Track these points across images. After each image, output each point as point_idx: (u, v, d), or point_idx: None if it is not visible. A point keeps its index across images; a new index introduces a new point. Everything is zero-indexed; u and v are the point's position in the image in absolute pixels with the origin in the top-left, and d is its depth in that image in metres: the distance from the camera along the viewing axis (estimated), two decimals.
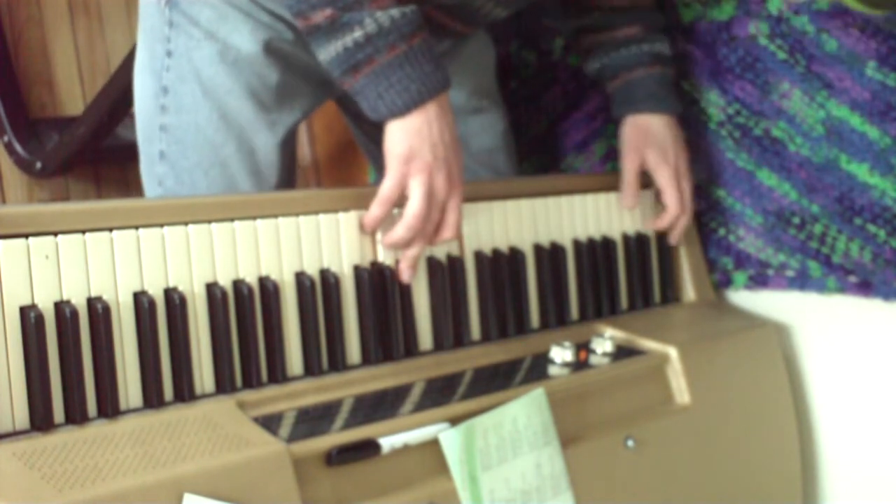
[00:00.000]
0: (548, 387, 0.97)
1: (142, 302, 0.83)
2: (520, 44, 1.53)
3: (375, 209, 0.98)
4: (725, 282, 1.34)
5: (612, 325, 1.17)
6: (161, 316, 0.85)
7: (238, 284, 0.90)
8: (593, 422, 1.03)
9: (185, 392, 0.85)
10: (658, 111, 1.27)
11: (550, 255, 1.15)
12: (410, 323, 1.01)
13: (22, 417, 0.77)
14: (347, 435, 0.84)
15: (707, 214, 1.35)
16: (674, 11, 1.37)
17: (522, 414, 0.94)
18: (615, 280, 1.23)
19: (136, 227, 0.84)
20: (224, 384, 0.88)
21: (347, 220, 0.98)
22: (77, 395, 0.79)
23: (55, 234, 0.80)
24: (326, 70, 0.99)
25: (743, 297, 1.34)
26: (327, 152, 1.88)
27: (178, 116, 1.12)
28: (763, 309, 1.32)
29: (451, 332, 1.05)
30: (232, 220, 0.90)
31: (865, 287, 1.24)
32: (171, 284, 0.86)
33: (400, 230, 0.98)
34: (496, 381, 0.99)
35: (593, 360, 1.07)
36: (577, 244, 1.19)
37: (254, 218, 0.92)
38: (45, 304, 0.79)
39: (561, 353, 1.04)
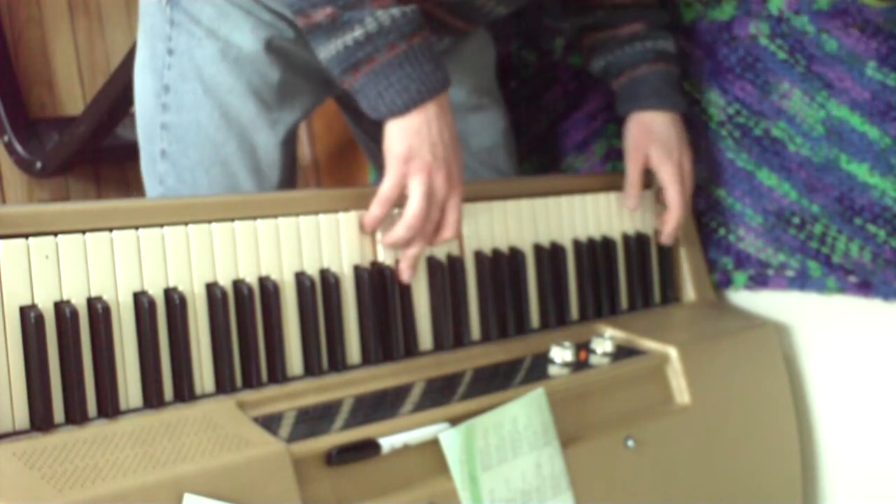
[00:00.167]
0: (548, 387, 0.97)
1: (142, 302, 0.83)
2: (520, 43, 1.53)
3: (375, 209, 0.98)
4: (725, 282, 1.34)
5: (612, 325, 1.17)
6: (161, 316, 0.85)
7: (238, 284, 0.90)
8: (593, 422, 1.03)
9: (185, 392, 0.85)
10: (662, 108, 1.27)
11: (550, 255, 1.15)
12: (410, 323, 1.01)
13: (22, 417, 0.77)
14: (347, 435, 0.84)
15: (707, 214, 1.35)
16: (674, 11, 1.37)
17: (522, 414, 0.94)
18: (615, 280, 1.23)
19: (136, 227, 0.84)
20: (224, 384, 0.88)
21: (347, 220, 0.98)
22: (77, 395, 0.79)
23: (55, 234, 0.80)
24: (326, 68, 0.99)
25: (743, 297, 1.34)
26: (327, 152, 1.88)
27: (179, 115, 1.12)
28: (763, 309, 1.32)
29: (451, 332, 1.05)
30: (232, 220, 0.90)
31: (865, 287, 1.24)
32: (171, 284, 0.86)
33: (400, 230, 0.98)
34: (496, 381, 0.99)
35: (593, 360, 1.07)
36: (577, 244, 1.19)
37: (254, 218, 0.92)
38: (45, 304, 0.79)
39: (561, 353, 1.04)
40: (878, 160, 1.23)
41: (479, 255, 1.08)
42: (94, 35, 1.96)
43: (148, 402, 0.83)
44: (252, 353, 0.89)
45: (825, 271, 1.27)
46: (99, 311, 0.80)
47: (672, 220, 1.26)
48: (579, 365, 1.05)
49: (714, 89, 1.34)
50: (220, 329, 0.88)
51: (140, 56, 1.17)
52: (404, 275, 1.00)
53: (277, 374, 0.91)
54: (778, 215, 1.30)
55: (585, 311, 1.19)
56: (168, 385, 0.85)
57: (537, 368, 1.04)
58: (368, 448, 0.85)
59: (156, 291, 0.85)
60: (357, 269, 0.98)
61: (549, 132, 1.50)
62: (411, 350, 1.02)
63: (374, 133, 1.32)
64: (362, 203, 0.99)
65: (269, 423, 0.84)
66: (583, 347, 1.08)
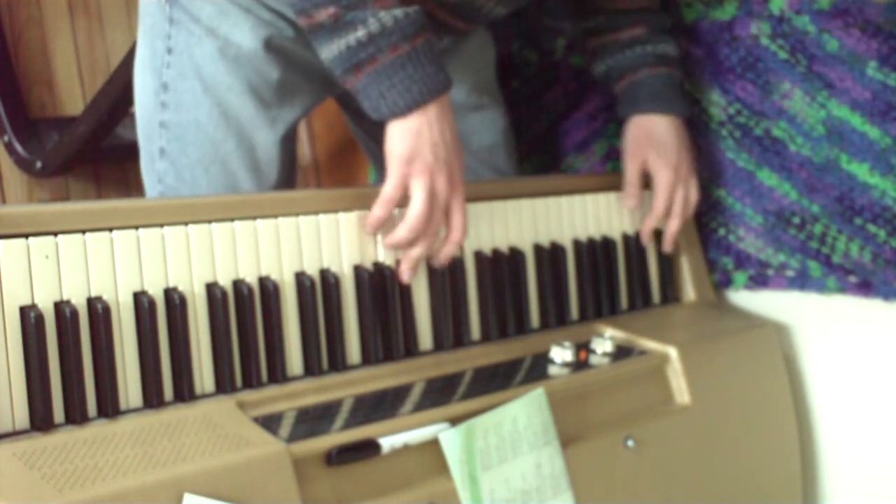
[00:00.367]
0: (548, 387, 0.97)
1: (142, 302, 0.83)
2: (521, 43, 1.53)
3: (377, 210, 0.98)
4: (725, 282, 1.34)
5: (612, 325, 1.17)
6: (161, 316, 0.85)
7: (238, 284, 0.90)
8: (593, 422, 1.03)
9: (185, 392, 0.85)
10: (662, 112, 1.27)
11: (550, 255, 1.15)
12: (410, 323, 1.01)
13: (22, 417, 0.77)
14: (347, 435, 0.84)
15: (707, 214, 1.35)
16: (676, 11, 1.36)
17: (522, 414, 0.94)
18: (615, 280, 1.23)
19: (136, 227, 0.84)
20: (224, 384, 0.88)
21: (347, 220, 0.98)
22: (77, 395, 0.79)
23: (55, 234, 0.80)
24: (328, 68, 0.99)
25: (743, 297, 1.34)
26: (327, 151, 1.88)
27: (178, 113, 1.12)
28: (763, 309, 1.32)
29: (451, 332, 1.05)
30: (232, 220, 0.90)
31: (865, 287, 1.24)
32: (171, 284, 0.86)
33: (401, 231, 0.98)
34: (496, 381, 0.99)
35: (593, 360, 1.07)
36: (577, 244, 1.19)
37: (254, 218, 0.92)
38: (45, 304, 0.79)
39: (561, 353, 1.04)
40: (878, 160, 1.23)
41: (479, 255, 1.08)
42: (94, 35, 1.96)
43: (148, 402, 0.83)
44: (252, 353, 0.89)
45: (825, 271, 1.27)
46: (99, 311, 0.80)
47: (650, 224, 1.26)
48: (579, 365, 1.05)
49: (715, 89, 1.34)
50: (220, 329, 0.88)
51: (140, 55, 1.17)
52: (405, 276, 1.00)
53: (277, 374, 0.91)
54: (778, 215, 1.30)
55: (585, 311, 1.19)
56: (168, 385, 0.85)
57: (537, 368, 1.04)
58: (368, 448, 0.84)
59: (156, 291, 0.85)
60: (357, 269, 0.98)
61: (550, 132, 1.50)
62: (411, 350, 1.02)
63: (374, 133, 1.31)
64: (362, 203, 0.99)
65: (269, 423, 0.84)
66: (583, 347, 1.08)
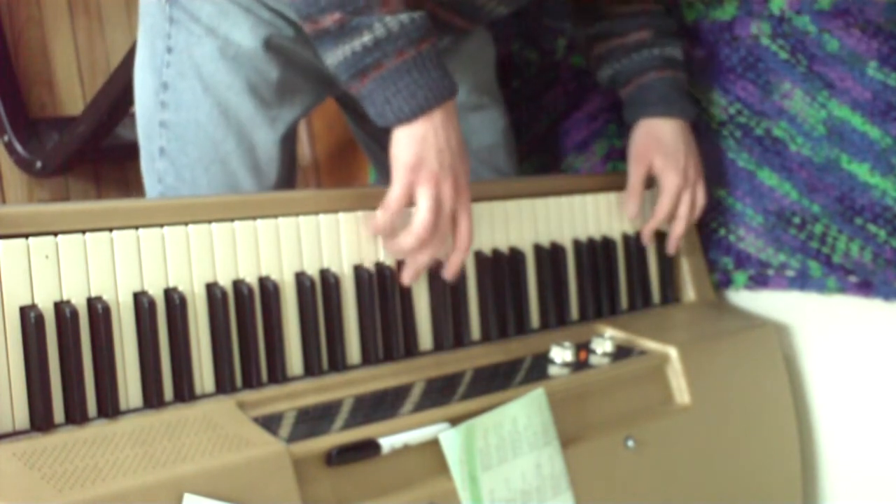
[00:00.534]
0: (548, 387, 0.97)
1: (142, 302, 0.83)
2: (522, 43, 1.53)
3: (382, 215, 0.97)
4: (725, 282, 1.34)
5: (612, 325, 1.17)
6: (161, 316, 0.85)
7: (238, 284, 0.90)
8: (593, 422, 1.03)
9: (185, 392, 0.85)
10: (669, 115, 1.26)
11: (550, 255, 1.15)
12: (410, 323, 1.01)
13: (22, 417, 0.77)
14: (347, 435, 0.84)
15: (707, 214, 1.35)
16: (676, 11, 1.36)
17: (522, 414, 0.94)
18: (615, 280, 1.23)
19: (136, 227, 0.84)
20: (224, 384, 0.88)
21: (347, 220, 0.98)
22: (77, 395, 0.79)
23: (55, 234, 0.80)
24: (334, 74, 0.98)
25: (743, 297, 1.34)
26: (327, 152, 1.88)
27: (178, 113, 1.12)
28: (763, 309, 1.32)
29: (451, 332, 1.05)
30: (232, 220, 0.90)
31: (866, 287, 1.24)
32: (171, 284, 0.86)
33: (407, 239, 0.97)
34: (496, 381, 0.99)
35: (593, 360, 1.07)
36: (577, 244, 1.19)
37: (254, 218, 0.92)
38: (45, 304, 0.79)
39: (561, 353, 1.04)
40: (878, 160, 1.23)
41: (479, 255, 1.08)
42: (94, 35, 1.96)
43: (148, 402, 0.83)
44: (252, 353, 0.89)
45: (825, 271, 1.27)
46: (99, 311, 0.80)
47: (651, 225, 1.25)
48: (579, 365, 1.05)
49: (715, 89, 1.34)
50: (220, 329, 0.88)
51: (140, 54, 1.18)
52: (406, 281, 1.00)
53: (277, 374, 0.91)
54: (778, 215, 1.30)
55: (585, 311, 1.19)
56: (168, 385, 0.85)
57: (537, 368, 1.04)
58: (368, 448, 0.84)
59: (156, 291, 0.85)
60: (357, 269, 0.98)
61: (550, 132, 1.50)
62: (411, 350, 1.02)
63: (375, 134, 1.32)
64: (362, 203, 0.99)
65: (269, 423, 0.84)
66: (583, 347, 1.08)
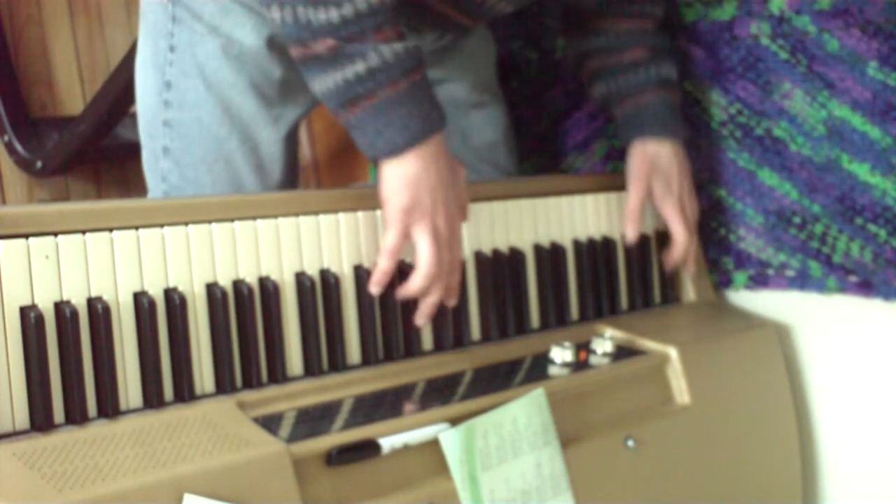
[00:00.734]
0: (548, 387, 0.97)
1: (142, 302, 0.83)
2: (522, 42, 1.53)
3: (384, 262, 0.97)
4: (725, 282, 1.34)
5: (612, 325, 1.17)
6: (161, 316, 0.85)
7: (238, 284, 0.90)
8: (593, 422, 1.03)
9: (185, 392, 0.85)
10: (665, 136, 1.25)
11: (550, 255, 1.15)
12: (411, 323, 1.01)
13: (22, 417, 0.77)
14: (347, 435, 0.84)
15: (707, 214, 1.35)
16: (675, 11, 1.36)
17: (522, 414, 0.94)
18: (615, 280, 1.23)
19: (136, 228, 0.84)
20: (224, 384, 0.88)
21: (347, 220, 0.98)
22: (77, 395, 0.79)
23: (55, 234, 0.80)
24: (320, 100, 0.96)
25: (743, 297, 1.34)
26: (327, 152, 1.88)
27: (181, 112, 1.12)
28: (763, 309, 1.32)
29: (451, 332, 1.05)
30: (232, 220, 0.90)
31: (866, 287, 1.24)
32: (171, 284, 0.86)
33: (417, 280, 0.96)
34: (496, 381, 0.99)
35: (593, 360, 1.07)
36: (577, 244, 1.19)
37: (254, 218, 0.92)
38: (45, 304, 0.79)
39: (561, 354, 1.04)
40: (879, 160, 1.23)
41: (479, 255, 1.08)
42: (94, 35, 1.96)
43: (148, 402, 0.83)
44: (252, 353, 0.89)
45: (826, 271, 1.27)
46: (99, 312, 0.80)
47: (677, 252, 1.25)
48: (579, 365, 1.05)
49: (715, 89, 1.34)
50: (220, 329, 0.88)
51: (141, 53, 1.17)
52: (420, 323, 0.99)
53: (277, 374, 0.91)
54: (779, 215, 1.30)
55: (585, 311, 1.19)
56: (168, 385, 0.85)
57: (537, 368, 1.04)
58: (368, 448, 0.84)
59: (156, 291, 0.85)
60: (357, 269, 0.98)
61: (550, 132, 1.50)
62: (411, 350, 1.02)
63: None
64: (362, 203, 0.99)
65: (269, 423, 0.84)
66: (583, 347, 1.08)
